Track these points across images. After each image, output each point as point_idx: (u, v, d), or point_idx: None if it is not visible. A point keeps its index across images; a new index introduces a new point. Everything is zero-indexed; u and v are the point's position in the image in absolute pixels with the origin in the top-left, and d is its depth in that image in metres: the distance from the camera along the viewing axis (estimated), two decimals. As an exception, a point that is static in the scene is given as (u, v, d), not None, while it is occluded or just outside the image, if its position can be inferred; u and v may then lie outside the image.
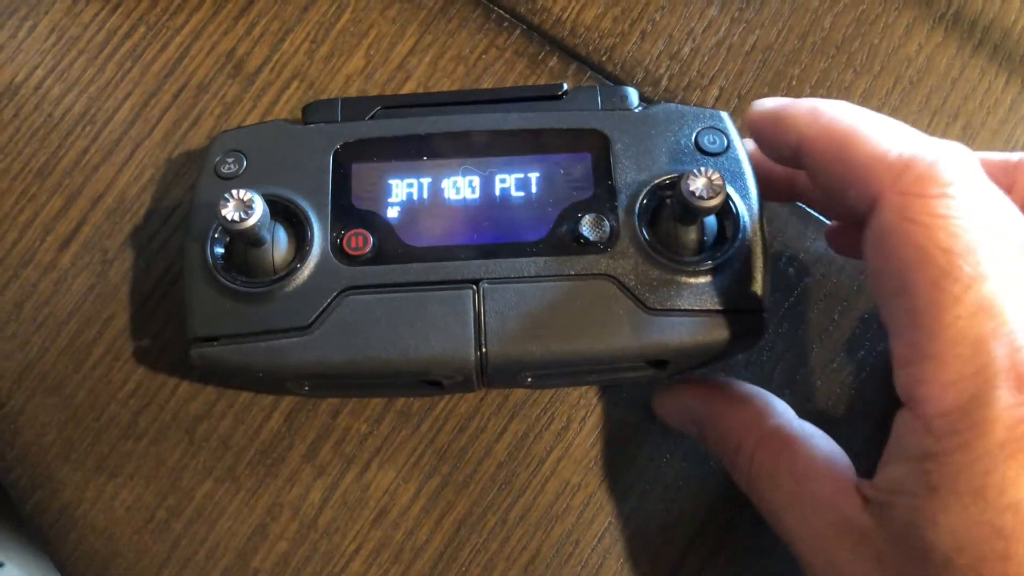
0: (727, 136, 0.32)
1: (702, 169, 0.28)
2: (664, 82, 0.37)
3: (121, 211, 0.36)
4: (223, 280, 0.30)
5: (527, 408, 0.34)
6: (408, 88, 0.37)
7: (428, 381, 0.31)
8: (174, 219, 0.36)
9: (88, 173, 0.36)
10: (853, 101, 0.36)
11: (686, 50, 0.37)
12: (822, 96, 0.36)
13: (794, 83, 0.37)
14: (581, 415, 0.34)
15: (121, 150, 0.36)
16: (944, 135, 0.36)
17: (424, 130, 0.32)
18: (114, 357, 0.35)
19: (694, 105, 0.36)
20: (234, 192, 0.28)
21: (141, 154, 0.36)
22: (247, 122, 0.36)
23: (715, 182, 0.28)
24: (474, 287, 0.29)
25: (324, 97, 0.37)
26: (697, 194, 0.27)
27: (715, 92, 0.37)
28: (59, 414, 0.35)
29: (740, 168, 0.31)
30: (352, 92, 0.37)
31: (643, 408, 0.34)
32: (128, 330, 0.35)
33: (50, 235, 0.36)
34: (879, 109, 0.36)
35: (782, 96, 0.36)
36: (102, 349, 0.35)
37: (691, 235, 0.30)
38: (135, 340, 0.35)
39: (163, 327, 0.35)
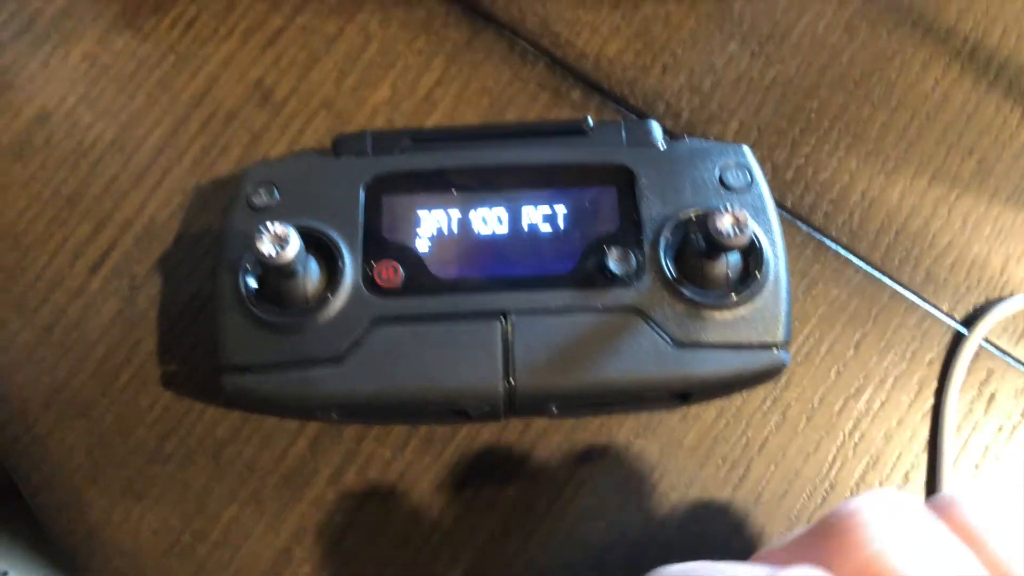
0: (750, 171, 0.32)
1: (728, 207, 0.28)
2: (685, 115, 0.37)
3: (150, 237, 0.36)
4: (256, 311, 0.30)
5: (549, 435, 0.35)
6: (434, 119, 0.37)
7: (455, 410, 0.31)
8: (202, 246, 0.36)
9: (117, 199, 0.37)
10: (870, 135, 0.37)
11: (707, 83, 0.38)
12: (840, 130, 0.37)
13: (813, 117, 0.37)
14: (602, 442, 0.35)
15: (150, 177, 0.37)
16: (959, 170, 0.37)
17: (453, 164, 0.32)
18: (141, 381, 0.35)
19: (715, 138, 0.37)
20: (269, 225, 0.28)
21: (170, 181, 0.37)
22: (275, 150, 0.37)
23: (741, 221, 0.28)
24: (502, 319, 0.30)
25: (351, 127, 0.37)
26: (724, 232, 0.28)
27: (735, 125, 0.37)
28: (86, 437, 0.35)
29: (763, 204, 0.32)
30: (379, 122, 0.37)
31: (664, 437, 0.34)
32: (155, 355, 0.36)
33: (79, 260, 0.36)
34: (896, 144, 0.37)
35: (799, 130, 0.37)
36: (129, 373, 0.35)
37: (716, 270, 0.30)
38: (162, 365, 0.35)
39: (190, 352, 0.35)
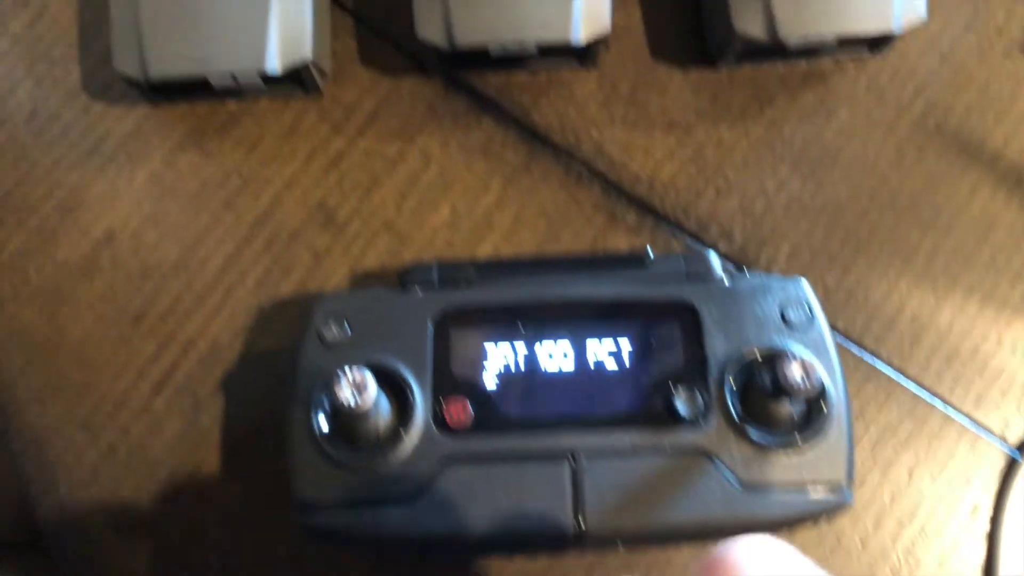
0: (810, 307, 0.33)
1: (796, 355, 0.29)
2: (738, 238, 0.38)
3: (213, 357, 0.37)
4: (327, 449, 0.31)
5: (607, 560, 0.35)
6: (492, 240, 0.38)
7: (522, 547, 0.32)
8: (265, 366, 0.37)
9: (181, 319, 0.38)
10: (920, 258, 0.38)
11: (759, 207, 0.38)
12: (890, 253, 0.38)
13: (863, 240, 0.38)
14: (660, 567, 0.35)
15: (214, 297, 0.38)
16: (1009, 293, 0.38)
17: (519, 299, 0.33)
18: (205, 502, 0.36)
19: (767, 261, 0.38)
20: (347, 371, 0.29)
21: (233, 301, 0.38)
22: (337, 271, 0.38)
23: (810, 370, 0.29)
24: (571, 459, 0.31)
25: (411, 248, 0.38)
26: (793, 382, 0.29)
27: (787, 249, 0.38)
28: (149, 556, 0.35)
29: (823, 340, 0.32)
30: (438, 243, 0.38)
31: (722, 562, 0.35)
32: (219, 474, 0.36)
33: (143, 380, 0.37)
34: (946, 267, 0.38)
35: (850, 253, 0.38)
36: (193, 494, 0.36)
37: (781, 410, 0.31)
38: (226, 485, 0.36)
39: (253, 472, 0.36)
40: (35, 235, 0.38)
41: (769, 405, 0.31)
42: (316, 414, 0.31)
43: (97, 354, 0.37)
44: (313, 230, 0.38)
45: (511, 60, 0.38)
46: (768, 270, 0.38)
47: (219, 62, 0.35)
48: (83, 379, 0.37)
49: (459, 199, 0.39)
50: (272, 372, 0.37)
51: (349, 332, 0.33)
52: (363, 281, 0.38)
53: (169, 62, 0.35)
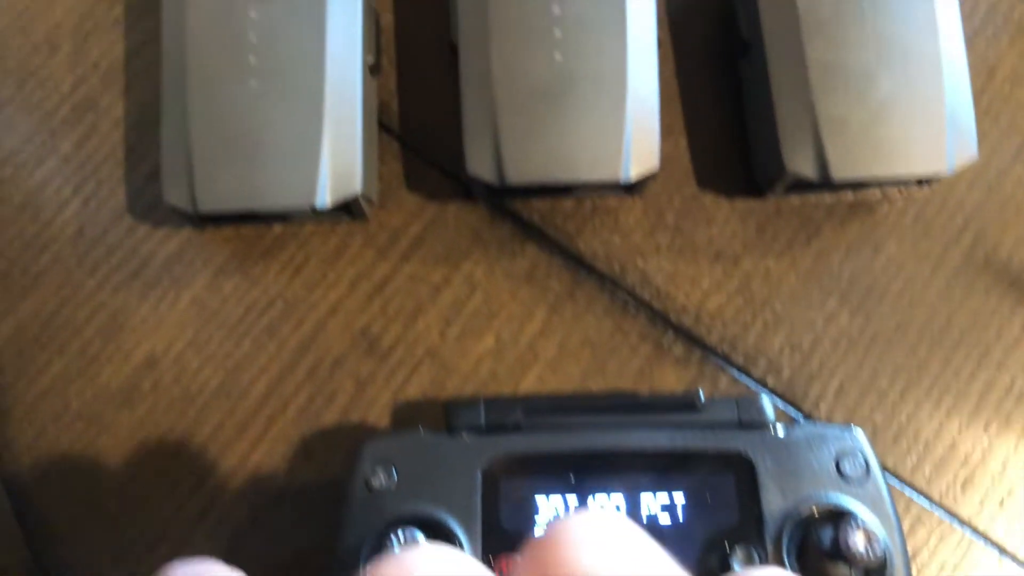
0: (866, 459, 0.32)
1: (859, 522, 0.28)
2: (786, 372, 0.38)
3: (253, 487, 0.37)
4: (376, 605, 0.30)
5: None
6: (536, 370, 0.38)
7: None
8: (306, 499, 0.36)
9: (222, 448, 0.37)
10: (970, 396, 0.37)
11: (807, 341, 0.38)
12: (941, 389, 0.37)
13: (913, 376, 0.38)
14: None
15: (256, 425, 0.37)
16: (1063, 433, 0.37)
17: (570, 448, 0.32)
18: (241, 639, 0.35)
19: (814, 396, 0.37)
20: (399, 535, 0.28)
21: (275, 430, 0.37)
22: (380, 399, 0.37)
23: (873, 539, 0.28)
24: (625, 621, 0.30)
25: (455, 377, 0.38)
26: (856, 551, 0.28)
27: (836, 384, 0.37)
28: None
29: (880, 494, 0.32)
30: (483, 373, 0.38)
31: None
32: (256, 611, 0.35)
33: (183, 511, 0.36)
34: (999, 405, 0.37)
35: (900, 391, 0.37)
36: (229, 630, 0.35)
37: (840, 572, 0.30)
38: (263, 622, 0.35)
39: (291, 610, 0.35)
40: (77, 359, 0.38)
41: (827, 566, 0.30)
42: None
43: (136, 484, 0.37)
44: (356, 357, 0.38)
45: (557, 188, 0.38)
46: (816, 406, 0.37)
47: (269, 198, 0.35)
48: (121, 510, 0.36)
49: (503, 327, 0.38)
50: (314, 504, 0.36)
51: (396, 479, 0.32)
52: (405, 411, 0.37)
53: (219, 197, 0.35)
